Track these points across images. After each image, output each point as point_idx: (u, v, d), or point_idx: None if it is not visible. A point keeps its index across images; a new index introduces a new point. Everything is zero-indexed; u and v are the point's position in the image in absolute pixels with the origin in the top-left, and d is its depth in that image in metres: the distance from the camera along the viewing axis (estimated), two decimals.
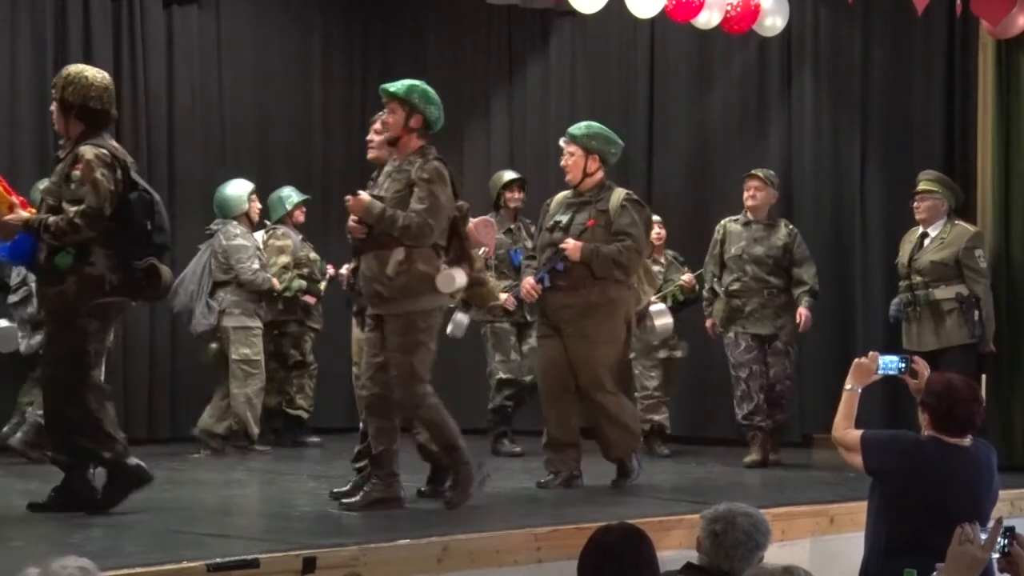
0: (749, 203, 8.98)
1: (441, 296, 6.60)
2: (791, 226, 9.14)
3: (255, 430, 9.59)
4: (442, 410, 6.65)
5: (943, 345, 8.30)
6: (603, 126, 7.89)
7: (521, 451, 9.40)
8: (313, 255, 10.03)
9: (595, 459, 8.92)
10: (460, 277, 6.58)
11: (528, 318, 9.30)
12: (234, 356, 9.50)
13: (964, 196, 8.67)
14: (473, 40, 11.68)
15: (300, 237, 10.09)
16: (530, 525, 6.06)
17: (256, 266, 9.54)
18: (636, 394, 9.41)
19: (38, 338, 8.33)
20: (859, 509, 5.36)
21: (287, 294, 9.77)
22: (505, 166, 11.26)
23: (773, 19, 9.51)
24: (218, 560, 5.03)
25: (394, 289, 6.50)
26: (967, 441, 5.10)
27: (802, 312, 8.86)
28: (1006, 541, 3.97)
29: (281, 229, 10.01)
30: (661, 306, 8.79)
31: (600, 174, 7.75)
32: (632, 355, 8.91)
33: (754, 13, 9.41)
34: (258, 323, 9.61)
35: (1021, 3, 8.31)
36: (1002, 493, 7.17)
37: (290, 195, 10.08)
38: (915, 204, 8.56)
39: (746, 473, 8.65)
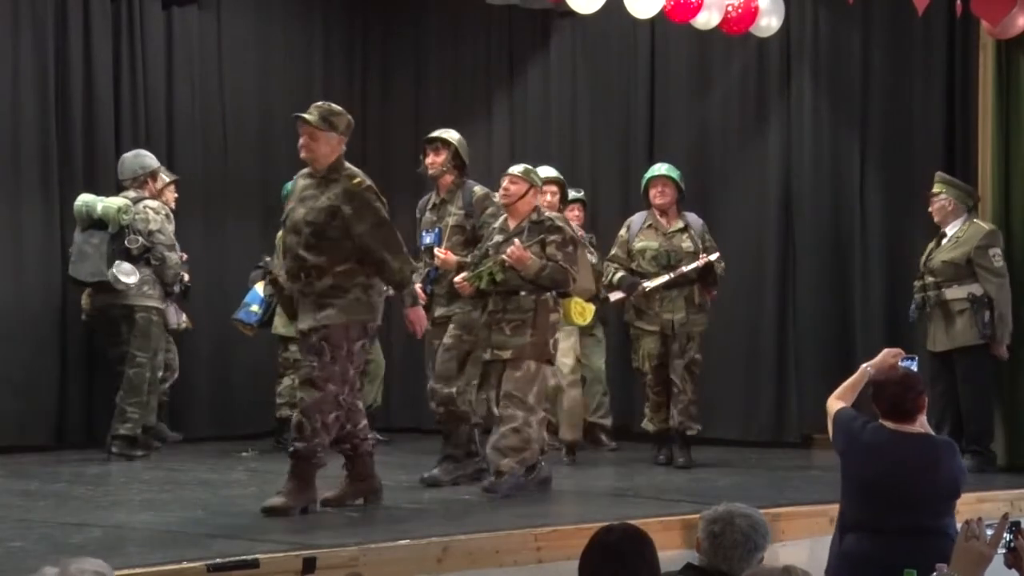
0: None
1: None
2: (349, 173, 6.49)
3: None
4: None
5: (954, 345, 8.29)
6: None
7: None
8: None
9: (593, 459, 8.93)
10: None
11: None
12: None
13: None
14: (473, 40, 11.67)
15: None
16: (530, 525, 6.07)
17: None
18: None
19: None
20: None
21: None
22: (506, 167, 11.25)
23: (768, 19, 9.46)
24: (218, 560, 5.03)
25: None
26: (913, 429, 5.29)
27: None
28: (1012, 536, 3.99)
29: None
30: None
31: None
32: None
33: (754, 14, 9.38)
34: None
35: (1021, 3, 8.31)
36: (1002, 493, 7.21)
37: None
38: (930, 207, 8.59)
39: (746, 473, 8.61)
